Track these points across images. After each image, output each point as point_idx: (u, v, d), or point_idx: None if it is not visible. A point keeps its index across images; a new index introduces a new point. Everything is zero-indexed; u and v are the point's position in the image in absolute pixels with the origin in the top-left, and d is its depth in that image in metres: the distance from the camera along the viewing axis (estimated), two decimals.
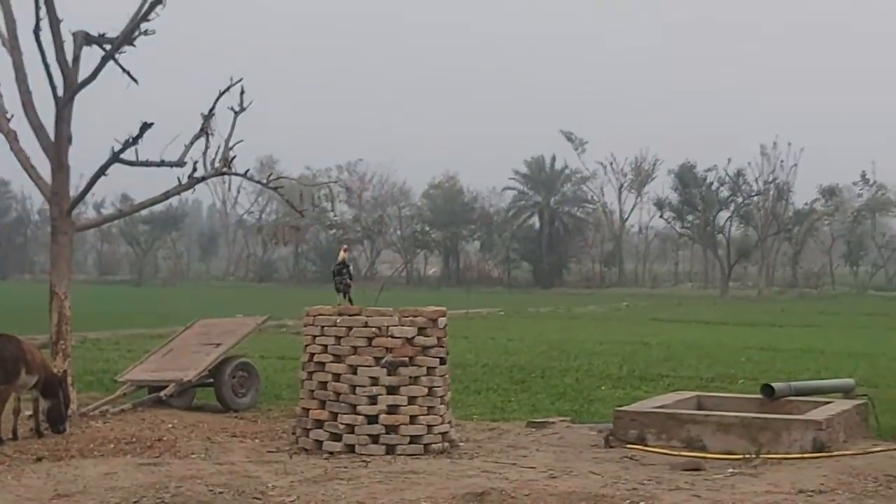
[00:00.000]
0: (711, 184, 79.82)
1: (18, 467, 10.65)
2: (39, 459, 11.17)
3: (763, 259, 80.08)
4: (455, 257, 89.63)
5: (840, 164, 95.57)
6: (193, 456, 11.28)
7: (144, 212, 60.29)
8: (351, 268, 13.31)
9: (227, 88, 14.67)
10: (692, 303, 61.84)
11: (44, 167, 14.53)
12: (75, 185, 14.70)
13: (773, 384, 13.14)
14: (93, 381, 17.92)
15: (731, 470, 10.48)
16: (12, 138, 14.62)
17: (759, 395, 13.25)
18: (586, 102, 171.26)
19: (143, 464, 10.57)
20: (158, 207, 66.30)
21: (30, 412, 12.94)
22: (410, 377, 11.54)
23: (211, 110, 14.60)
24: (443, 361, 11.82)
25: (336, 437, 11.54)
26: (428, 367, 11.64)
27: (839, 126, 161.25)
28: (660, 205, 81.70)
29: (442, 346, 11.83)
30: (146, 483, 9.35)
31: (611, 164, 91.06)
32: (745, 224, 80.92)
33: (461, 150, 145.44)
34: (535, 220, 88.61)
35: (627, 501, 8.89)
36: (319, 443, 11.64)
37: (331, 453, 11.40)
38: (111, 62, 13.98)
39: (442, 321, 11.86)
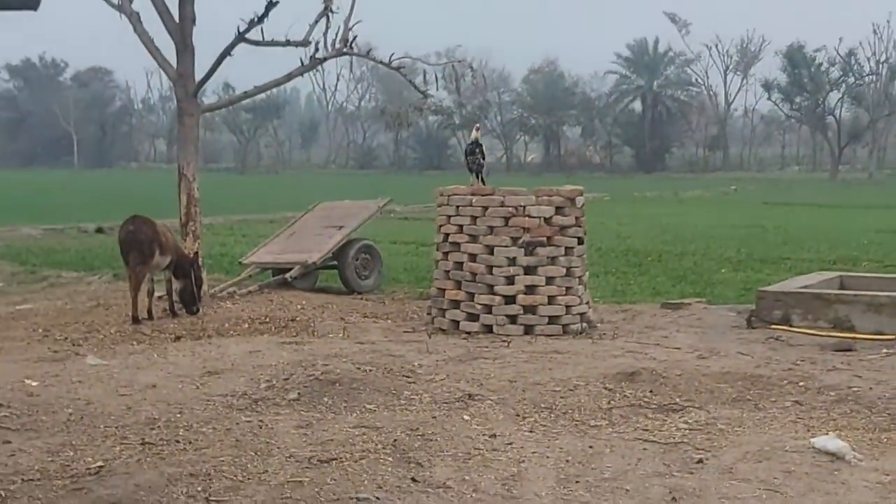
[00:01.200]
0: (821, 64, 77.55)
1: (160, 345, 10.75)
2: (178, 338, 11.27)
3: (874, 141, 77.93)
4: (556, 143, 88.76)
5: None
6: (331, 335, 11.26)
7: (246, 100, 60.42)
8: (484, 147, 13.01)
9: None
10: (802, 186, 60.70)
11: (167, 49, 14.44)
12: (198, 68, 14.53)
13: None
14: (213, 265, 18.04)
15: (885, 350, 10.13)
16: (136, 20, 14.47)
17: None
18: None
19: (285, 342, 10.57)
20: (260, 95, 66.30)
21: (160, 293, 13.05)
22: (548, 257, 11.31)
23: None
24: (580, 241, 11.56)
25: (473, 317, 11.41)
26: (566, 247, 11.39)
27: None
28: (768, 87, 79.69)
29: (580, 226, 11.55)
30: (293, 361, 9.32)
31: (716, 45, 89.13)
32: (857, 105, 78.60)
33: (561, 34, 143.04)
34: (638, 105, 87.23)
35: (785, 381, 8.62)
36: (456, 323, 11.52)
37: (468, 333, 11.29)
38: None
39: (580, 200, 11.57)
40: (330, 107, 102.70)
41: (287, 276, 15.23)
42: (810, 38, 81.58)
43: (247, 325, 12.16)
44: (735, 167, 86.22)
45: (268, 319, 12.47)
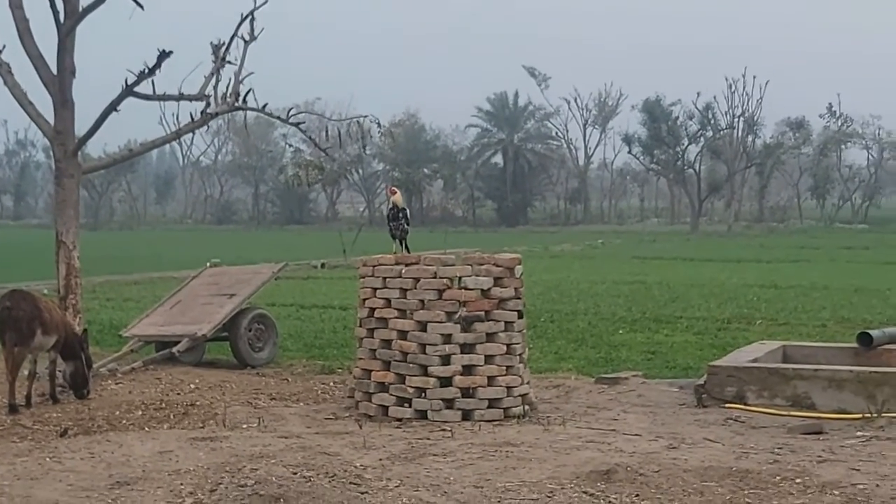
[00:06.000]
0: (677, 118, 78.73)
1: (49, 443, 9.32)
2: (66, 431, 9.87)
3: (732, 193, 79.37)
4: (418, 196, 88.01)
5: (805, 96, 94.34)
6: (245, 427, 9.96)
7: (98, 154, 58.43)
8: (408, 211, 11.91)
9: (250, 13, 13.19)
10: (665, 239, 61.12)
11: (43, 103, 13.09)
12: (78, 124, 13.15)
13: (871, 332, 11.99)
14: None
15: (859, 433, 9.34)
16: (6, 71, 13.09)
17: (852, 345, 12.14)
18: (548, 36, 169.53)
19: (196, 438, 9.24)
20: (112, 149, 64.33)
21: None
22: (486, 333, 10.25)
23: (232, 37, 13.15)
24: (520, 315, 10.52)
25: (404, 401, 10.25)
26: (506, 322, 10.33)
27: (804, 57, 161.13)
28: (628, 140, 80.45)
29: (519, 298, 10.51)
30: (213, 464, 8.04)
31: (574, 99, 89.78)
32: (716, 158, 79.95)
33: (422, 88, 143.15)
34: (499, 158, 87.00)
35: (777, 477, 7.70)
36: (385, 408, 10.32)
37: (400, 420, 10.12)
38: None
39: (519, 270, 10.55)
40: (185, 160, 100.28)
41: (174, 350, 13.91)
42: (667, 93, 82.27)
43: (140, 413, 10.81)
44: (596, 220, 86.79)
45: (163, 405, 11.16)
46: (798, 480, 7.63)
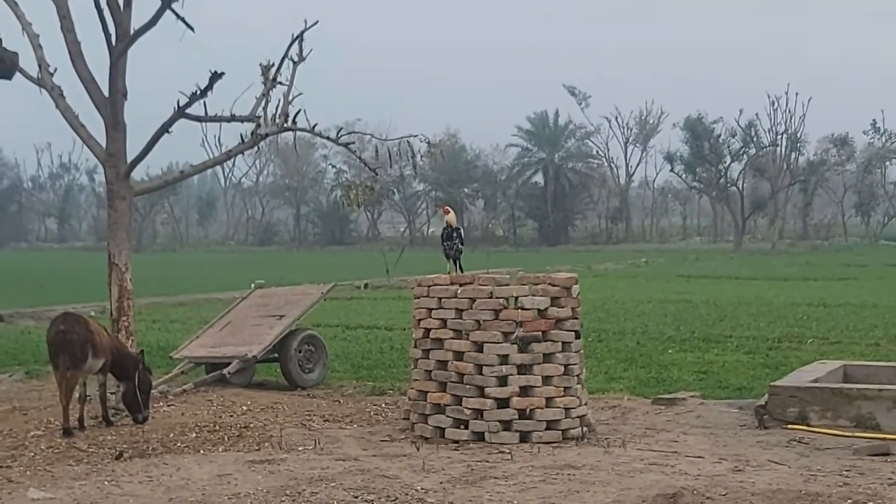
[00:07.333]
0: (719, 136, 78.29)
1: (106, 466, 9.28)
2: (121, 454, 9.82)
3: (775, 211, 78.77)
4: (459, 216, 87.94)
5: (848, 112, 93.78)
6: (301, 449, 9.88)
7: (141, 176, 58.83)
8: (462, 231, 11.80)
9: (301, 34, 13.18)
10: (709, 257, 60.67)
11: (94, 126, 13.13)
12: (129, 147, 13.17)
13: None
14: None
15: None
16: (57, 94, 13.15)
17: None
18: (588, 55, 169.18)
19: (255, 461, 9.17)
20: (154, 171, 64.70)
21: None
22: (543, 354, 10.12)
23: (283, 58, 13.15)
24: (578, 335, 10.39)
25: (460, 424, 10.13)
26: (563, 343, 10.20)
27: (848, 73, 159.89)
28: (670, 158, 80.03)
29: (577, 318, 10.37)
30: (272, 488, 7.96)
31: (615, 118, 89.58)
32: (760, 176, 79.40)
33: (462, 107, 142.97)
34: (540, 177, 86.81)
35: (849, 501, 7.52)
36: (441, 430, 10.21)
37: (456, 442, 10.00)
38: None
39: (576, 289, 10.41)
40: (227, 182, 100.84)
41: (224, 371, 13.88)
42: (709, 110, 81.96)
43: (195, 435, 10.77)
44: (637, 238, 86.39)
45: (217, 427, 11.10)
46: (870, 503, 7.45)
